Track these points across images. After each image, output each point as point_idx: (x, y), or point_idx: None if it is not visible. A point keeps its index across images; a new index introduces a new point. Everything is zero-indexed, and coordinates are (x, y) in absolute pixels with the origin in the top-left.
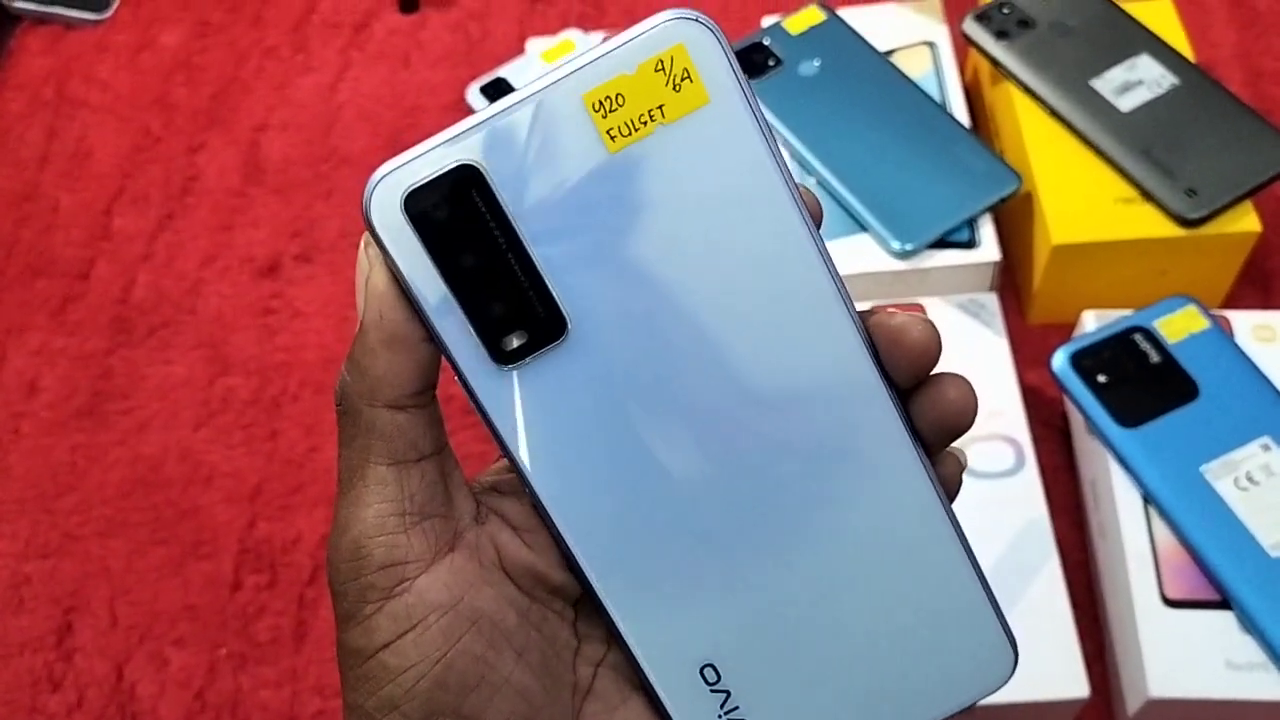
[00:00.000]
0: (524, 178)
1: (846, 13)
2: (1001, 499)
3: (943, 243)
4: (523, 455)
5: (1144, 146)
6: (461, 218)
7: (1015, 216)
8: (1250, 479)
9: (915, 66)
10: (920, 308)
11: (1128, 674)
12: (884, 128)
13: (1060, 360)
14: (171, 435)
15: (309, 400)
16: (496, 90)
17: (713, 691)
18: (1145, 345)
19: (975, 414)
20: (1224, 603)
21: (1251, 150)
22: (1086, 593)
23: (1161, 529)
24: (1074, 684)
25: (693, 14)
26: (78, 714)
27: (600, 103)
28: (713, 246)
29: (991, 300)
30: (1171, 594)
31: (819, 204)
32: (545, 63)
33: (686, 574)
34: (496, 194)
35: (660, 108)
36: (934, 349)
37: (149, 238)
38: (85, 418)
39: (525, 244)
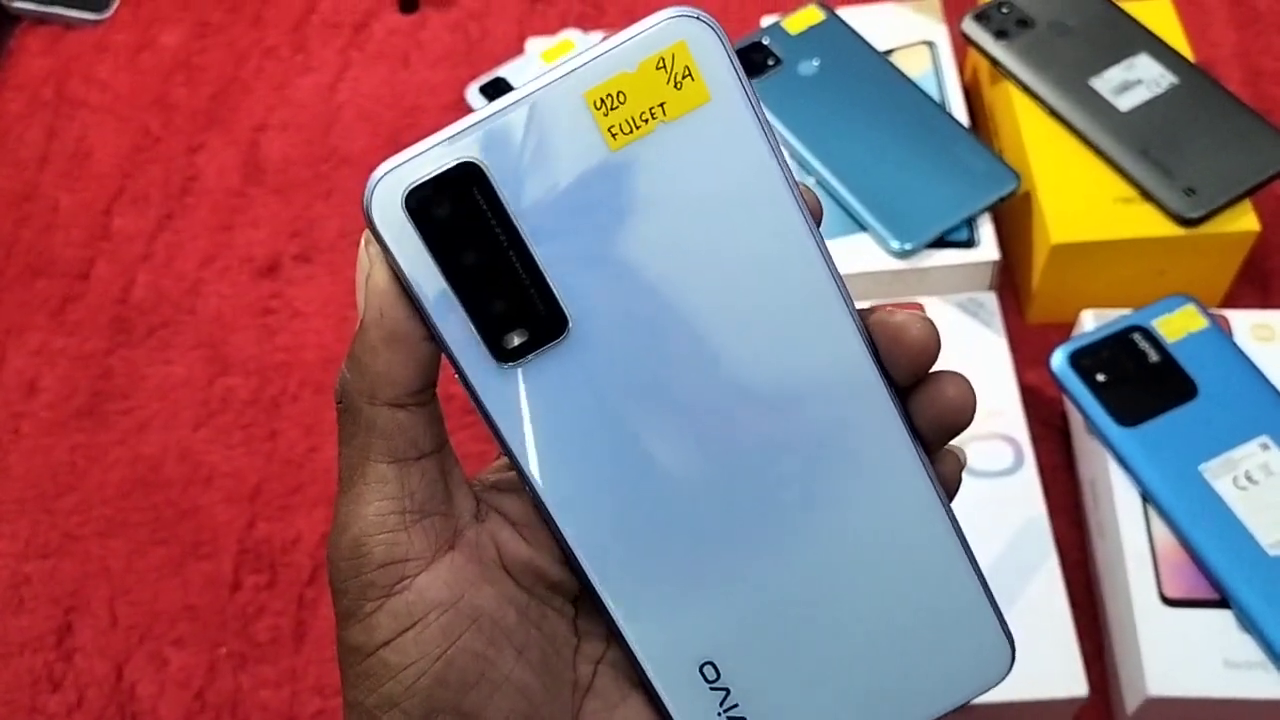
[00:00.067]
0: (525, 175)
1: (846, 12)
2: (1000, 498)
3: (942, 242)
4: (522, 453)
5: (1143, 146)
6: (463, 215)
7: (1014, 216)
8: (1249, 478)
9: (914, 66)
10: (920, 307)
11: (1126, 673)
12: (883, 127)
13: (1059, 359)
14: (171, 435)
15: (309, 400)
16: (496, 90)
17: (712, 689)
18: (1144, 344)
19: (974, 412)
20: (1223, 602)
21: (1250, 150)
22: (1085, 592)
23: (1160, 528)
24: (1073, 683)
25: (694, 12)
26: (77, 714)
27: (601, 100)
28: (713, 244)
29: (990, 299)
30: (1170, 593)
31: (819, 202)
32: (545, 63)
33: (686, 572)
34: (498, 192)
35: (661, 105)
36: (933, 347)
37: (149, 238)
38: (85, 418)
39: (526, 242)
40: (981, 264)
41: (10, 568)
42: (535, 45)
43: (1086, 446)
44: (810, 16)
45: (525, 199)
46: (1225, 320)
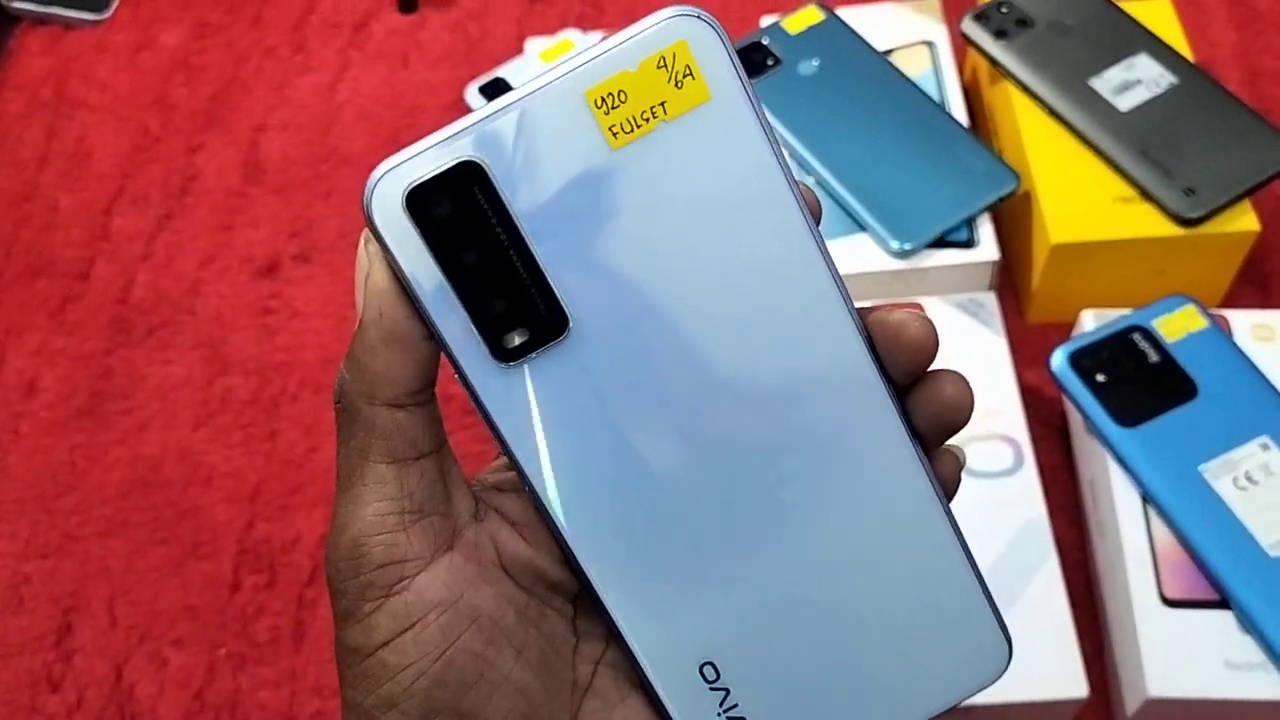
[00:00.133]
0: (526, 174)
1: (845, 12)
2: (1000, 498)
3: (941, 242)
4: (522, 453)
5: (1142, 146)
6: (463, 214)
7: (1014, 216)
8: (1249, 478)
9: (914, 66)
10: (920, 307)
11: (1126, 674)
12: (883, 127)
13: (1059, 360)
14: (171, 435)
15: (308, 400)
16: (495, 90)
17: (712, 689)
18: (1144, 345)
19: (971, 410)
20: (1223, 602)
21: (1250, 149)
22: (1085, 592)
23: (1160, 528)
24: (1073, 684)
25: (694, 11)
26: (77, 714)
27: (602, 99)
28: (713, 243)
29: (990, 300)
30: (1170, 593)
31: (818, 201)
32: (544, 63)
33: (686, 571)
34: (499, 191)
35: (662, 104)
36: (931, 345)
37: (148, 238)
38: (85, 418)
39: (527, 241)
40: (981, 264)
41: (10, 568)
42: (535, 45)
43: (1086, 446)
44: (810, 16)
45: (526, 198)
46: (1225, 320)
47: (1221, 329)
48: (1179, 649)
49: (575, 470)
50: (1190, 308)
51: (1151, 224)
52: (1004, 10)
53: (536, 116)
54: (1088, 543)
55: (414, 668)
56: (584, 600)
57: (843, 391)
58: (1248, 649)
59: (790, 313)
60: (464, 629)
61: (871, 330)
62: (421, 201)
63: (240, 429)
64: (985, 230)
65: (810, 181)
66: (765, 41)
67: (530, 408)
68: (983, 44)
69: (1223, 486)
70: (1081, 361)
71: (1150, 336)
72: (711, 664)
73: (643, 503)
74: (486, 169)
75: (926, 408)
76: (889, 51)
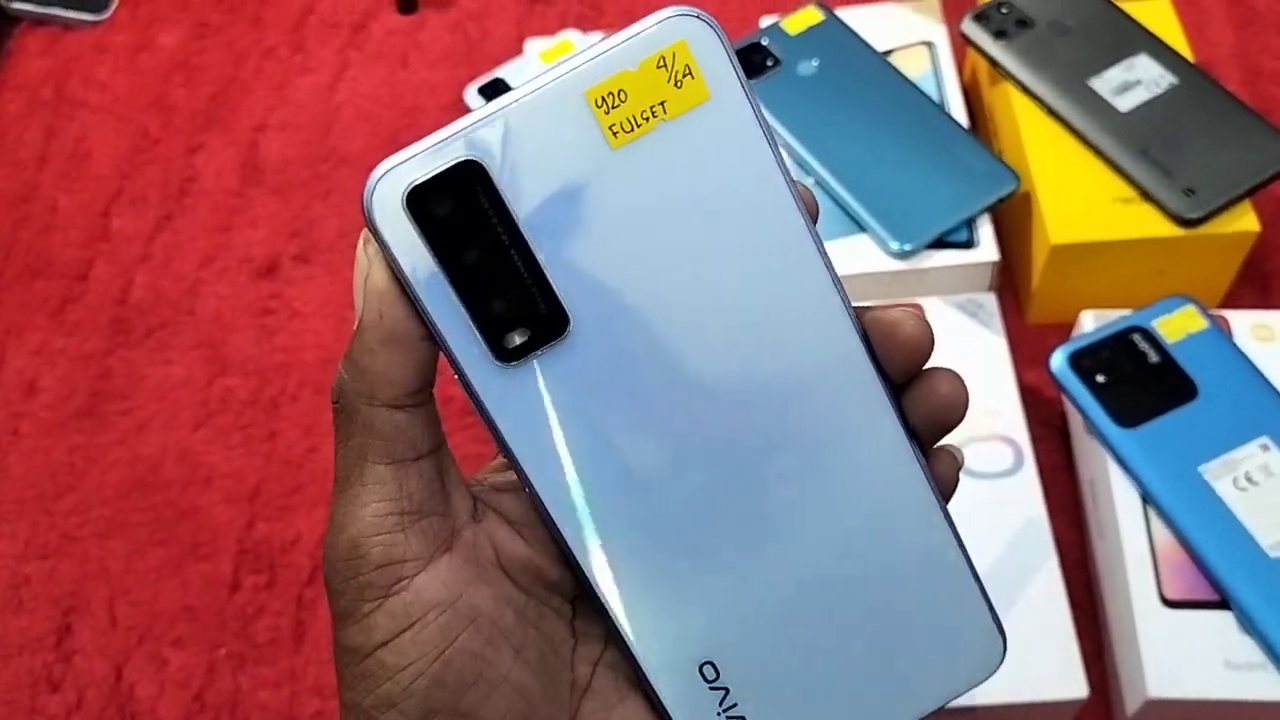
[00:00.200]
0: (526, 174)
1: (845, 13)
2: (1000, 499)
3: (941, 243)
4: (521, 453)
5: (1142, 146)
6: (464, 214)
7: (1014, 216)
8: (1249, 479)
9: (913, 66)
10: (919, 308)
11: (1126, 674)
12: (882, 128)
13: (1059, 360)
14: (170, 436)
15: (308, 400)
16: (495, 91)
17: (711, 689)
18: (1144, 345)
19: (966, 408)
20: (1223, 603)
21: (1250, 150)
22: (1085, 593)
23: (1160, 529)
24: (1073, 684)
25: (694, 11)
26: (77, 715)
27: (603, 99)
28: (712, 242)
29: (990, 300)
30: (1170, 594)
31: (815, 201)
32: (543, 63)
33: (685, 572)
34: (499, 190)
35: (662, 104)
36: (927, 344)
37: (147, 238)
38: (84, 418)
39: (527, 240)
40: (981, 264)
41: (10, 568)
42: (534, 46)
43: (1086, 447)
44: (809, 17)
45: (526, 197)
46: (1225, 321)
47: (1221, 329)
48: (1179, 649)
49: (574, 470)
50: (1190, 308)
51: (1151, 224)
52: (1004, 10)
53: (537, 116)
54: (1088, 543)
55: (413, 668)
56: (583, 600)
57: (840, 390)
58: (1248, 649)
59: (788, 311)
60: (462, 629)
61: (867, 329)
62: (421, 201)
63: (240, 429)
64: (985, 231)
65: (810, 182)
66: (765, 42)
67: (530, 408)
68: (982, 44)
69: (1223, 487)
70: (1081, 362)
71: (1150, 337)
72: (711, 663)
73: (641, 503)
74: (486, 169)
75: (922, 405)
76: (889, 52)
